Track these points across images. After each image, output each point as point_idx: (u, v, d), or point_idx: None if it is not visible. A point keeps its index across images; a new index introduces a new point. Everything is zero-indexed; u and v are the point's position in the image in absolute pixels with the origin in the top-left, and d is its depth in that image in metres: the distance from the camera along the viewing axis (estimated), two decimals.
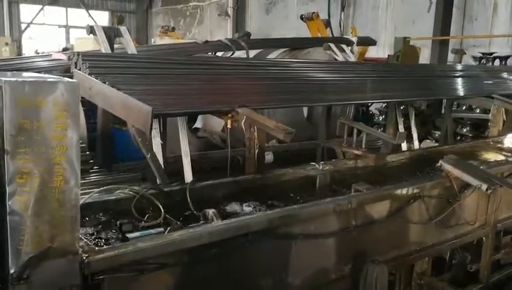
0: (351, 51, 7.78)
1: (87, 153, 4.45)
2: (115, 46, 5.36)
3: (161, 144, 3.77)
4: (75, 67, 3.60)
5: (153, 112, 2.83)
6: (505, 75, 7.20)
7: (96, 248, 2.05)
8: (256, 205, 2.95)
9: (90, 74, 3.43)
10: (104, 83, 3.30)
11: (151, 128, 2.98)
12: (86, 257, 1.97)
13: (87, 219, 2.54)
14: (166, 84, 3.82)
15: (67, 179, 1.88)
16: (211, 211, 2.67)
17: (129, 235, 2.39)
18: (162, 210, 2.58)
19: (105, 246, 2.15)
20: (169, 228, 2.45)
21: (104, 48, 4.74)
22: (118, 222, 2.47)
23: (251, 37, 11.48)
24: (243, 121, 3.40)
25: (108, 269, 2.03)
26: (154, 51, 6.25)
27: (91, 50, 5.40)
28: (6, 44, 13.69)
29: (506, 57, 8.90)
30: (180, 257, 2.29)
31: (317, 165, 3.68)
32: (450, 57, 10.99)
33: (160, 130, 3.76)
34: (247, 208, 2.92)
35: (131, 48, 4.96)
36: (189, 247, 2.30)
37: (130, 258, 2.09)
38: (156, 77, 3.88)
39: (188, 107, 3.62)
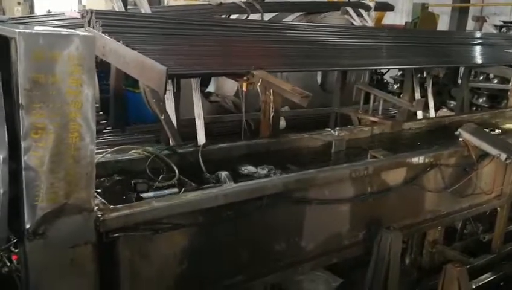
0: (368, 16, 7.58)
1: (100, 113, 4.42)
2: (128, 7, 5.26)
3: (175, 105, 3.73)
4: (88, 26, 3.54)
5: (167, 72, 2.77)
6: None
7: (112, 206, 2.03)
8: (270, 169, 2.91)
9: (103, 32, 3.37)
10: (118, 41, 3.24)
11: (165, 89, 2.94)
12: (101, 214, 1.96)
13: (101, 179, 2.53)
14: (180, 44, 3.74)
15: (83, 135, 1.84)
16: (223, 173, 2.65)
17: (143, 195, 2.37)
18: (177, 171, 2.56)
19: (120, 205, 2.13)
20: (183, 189, 2.43)
21: (118, 7, 4.64)
22: (133, 182, 2.45)
23: (266, 0, 11.21)
24: (259, 84, 3.34)
25: (123, 227, 2.02)
26: (167, 11, 6.12)
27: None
28: (19, 3, 13.51)
29: None
30: (195, 217, 2.28)
31: (332, 131, 3.62)
32: (470, 25, 10.71)
33: (174, 91, 3.72)
34: (261, 171, 2.89)
35: (145, 8, 4.85)
36: (204, 208, 2.28)
37: (145, 218, 2.08)
38: (170, 37, 3.80)
39: (203, 68, 3.56)
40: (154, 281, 2.21)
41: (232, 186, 2.42)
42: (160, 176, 2.55)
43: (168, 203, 2.18)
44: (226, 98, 6.72)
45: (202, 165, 2.78)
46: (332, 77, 6.98)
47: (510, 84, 5.37)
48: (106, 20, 3.50)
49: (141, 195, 2.39)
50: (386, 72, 9.31)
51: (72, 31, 1.84)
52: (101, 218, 1.95)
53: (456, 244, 4.30)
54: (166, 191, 2.42)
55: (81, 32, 1.82)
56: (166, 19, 4.14)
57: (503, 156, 3.30)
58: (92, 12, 3.53)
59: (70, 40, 1.74)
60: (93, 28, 3.47)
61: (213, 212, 2.31)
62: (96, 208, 1.97)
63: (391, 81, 9.66)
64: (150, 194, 2.41)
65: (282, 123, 5.50)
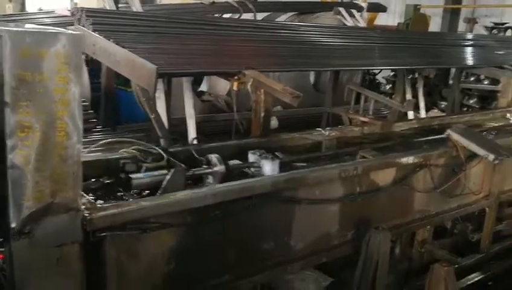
0: (361, 17, 7.60)
1: (90, 112, 4.40)
2: (120, 5, 5.24)
3: (166, 105, 3.72)
4: (79, 24, 3.52)
5: (157, 71, 2.76)
6: None
7: (99, 205, 2.03)
8: (262, 153, 2.93)
9: (93, 31, 3.36)
10: (108, 40, 3.22)
11: (155, 88, 2.93)
12: (88, 213, 1.95)
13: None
14: (171, 43, 3.73)
15: (70, 134, 1.84)
16: (214, 156, 2.67)
17: (132, 176, 2.37)
18: (165, 156, 2.55)
19: (107, 204, 2.12)
20: (173, 170, 2.41)
21: (109, 5, 4.62)
22: (121, 162, 2.43)
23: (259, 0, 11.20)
24: (250, 83, 3.33)
25: (110, 226, 2.01)
26: (159, 10, 6.11)
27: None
28: (10, 1, 13.41)
29: None
30: (183, 217, 2.28)
31: (323, 131, 3.63)
32: (461, 26, 10.78)
33: (165, 90, 3.71)
34: (253, 155, 2.90)
35: (137, 6, 4.84)
36: (192, 207, 2.28)
37: (132, 217, 2.08)
38: (161, 36, 3.78)
39: (194, 67, 3.54)
40: (142, 280, 2.21)
41: (220, 186, 2.42)
42: (150, 158, 2.53)
43: (156, 203, 2.18)
44: (218, 97, 6.71)
45: (194, 152, 2.80)
46: (325, 77, 6.99)
47: (499, 85, 5.41)
48: (96, 18, 3.48)
49: (130, 176, 2.38)
50: (378, 73, 9.35)
51: (59, 29, 1.84)
52: (88, 217, 1.95)
53: (445, 242, 4.32)
54: (156, 173, 2.42)
55: (68, 30, 1.81)
56: (157, 18, 4.12)
57: (491, 157, 3.32)
58: (82, 10, 3.50)
59: (57, 38, 1.73)
60: (84, 26, 3.45)
61: (201, 212, 2.31)
62: (83, 207, 1.96)
63: (383, 81, 9.71)
64: (140, 175, 2.42)
65: (275, 123, 5.51)
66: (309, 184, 2.78)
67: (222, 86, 6.39)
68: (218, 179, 2.72)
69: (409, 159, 3.26)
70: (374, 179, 3.12)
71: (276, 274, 2.83)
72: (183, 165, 2.50)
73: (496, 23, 8.93)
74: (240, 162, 2.94)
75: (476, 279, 3.94)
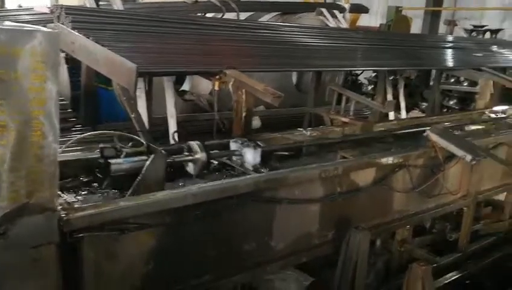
0: (343, 18, 7.66)
1: (69, 110, 4.34)
2: (101, 2, 5.19)
3: (146, 104, 3.69)
4: (58, 21, 3.47)
5: (137, 70, 2.74)
6: (494, 48, 7.17)
7: (76, 206, 2.00)
8: (244, 141, 2.94)
9: (73, 29, 3.31)
10: (88, 38, 3.19)
11: (135, 87, 2.90)
12: (65, 214, 1.92)
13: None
14: (153, 42, 3.70)
15: (46, 134, 1.81)
16: (195, 143, 2.65)
17: (112, 161, 2.33)
18: (144, 142, 2.52)
19: (85, 204, 2.10)
20: (153, 156, 2.36)
21: (89, 3, 4.57)
22: (100, 146, 2.40)
23: None
24: (231, 83, 3.33)
25: (88, 227, 1.99)
26: (141, 8, 6.06)
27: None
28: None
29: (497, 30, 8.86)
30: (163, 217, 2.26)
31: (304, 131, 3.65)
32: (442, 28, 10.94)
33: (146, 89, 3.68)
34: (234, 144, 2.90)
35: (118, 4, 4.79)
36: (172, 207, 2.26)
37: (111, 217, 2.06)
38: (143, 34, 3.76)
39: (175, 66, 3.52)
40: (120, 281, 2.19)
41: (201, 186, 2.41)
42: (130, 143, 2.50)
43: (135, 203, 2.16)
44: (200, 97, 6.69)
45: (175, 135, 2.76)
46: (307, 77, 7.02)
47: (477, 87, 5.50)
48: (76, 16, 3.44)
49: (109, 161, 2.34)
50: (360, 73, 9.44)
51: (36, 26, 1.81)
52: (65, 218, 1.92)
53: (424, 241, 4.37)
54: (135, 159, 2.39)
55: (44, 28, 1.78)
56: (138, 16, 4.09)
57: (469, 157, 3.37)
58: (61, 8, 3.46)
59: (32, 36, 1.70)
60: (63, 23, 3.40)
61: (181, 212, 2.30)
62: (59, 207, 1.94)
63: (366, 82, 9.81)
64: (119, 160, 2.38)
65: (257, 122, 5.52)
66: (289, 184, 2.78)
67: (204, 85, 6.39)
68: (199, 166, 2.70)
69: (388, 160, 3.29)
70: (354, 179, 3.14)
71: (256, 274, 2.83)
72: (163, 151, 2.44)
73: (475, 26, 9.09)
74: (222, 150, 2.94)
75: (454, 278, 4.00)
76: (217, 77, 3.39)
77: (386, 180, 3.32)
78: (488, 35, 8.95)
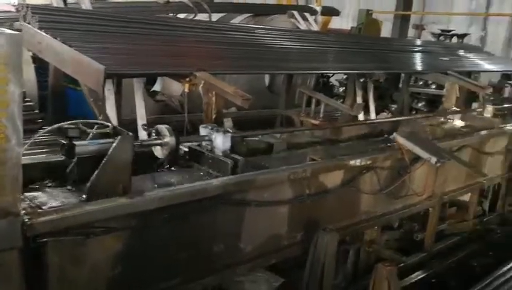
0: (315, 20, 7.73)
1: (36, 112, 4.25)
2: (69, 0, 5.09)
3: (115, 105, 3.65)
4: (24, 21, 3.39)
5: (105, 71, 2.71)
6: (461, 52, 7.37)
7: (39, 210, 1.97)
8: (213, 126, 2.92)
9: (40, 28, 3.25)
10: (55, 38, 3.13)
11: (103, 88, 2.88)
12: (29, 218, 1.89)
13: None
14: (122, 43, 3.66)
15: (9, 137, 1.78)
16: (164, 127, 2.62)
17: (76, 143, 2.25)
18: (111, 125, 2.45)
19: (49, 209, 2.06)
20: (119, 137, 2.27)
21: (56, 2, 4.48)
22: (64, 126, 2.31)
23: (215, 0, 11.18)
24: (201, 85, 3.33)
25: (52, 232, 1.96)
26: (111, 8, 5.97)
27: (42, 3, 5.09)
28: None
29: (464, 35, 9.10)
30: (129, 220, 2.25)
31: (274, 134, 3.68)
32: (411, 32, 11.18)
33: (115, 90, 3.64)
34: (204, 130, 2.89)
35: (86, 4, 4.72)
36: (139, 211, 2.25)
37: (76, 222, 2.03)
38: (112, 35, 3.71)
39: (144, 68, 3.49)
40: (85, 286, 2.16)
41: (169, 189, 2.40)
42: (95, 126, 2.42)
43: (100, 207, 2.14)
44: (172, 98, 6.64)
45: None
46: (279, 79, 7.06)
47: (444, 90, 5.64)
48: (43, 16, 3.37)
49: (74, 143, 2.25)
50: (332, 75, 9.54)
51: None
52: (28, 222, 1.89)
53: (392, 241, 4.46)
54: (101, 141, 2.32)
55: (6, 30, 1.75)
56: (108, 16, 4.03)
57: (434, 160, 3.47)
58: (27, 7, 3.39)
59: None
60: (29, 23, 3.34)
61: (148, 215, 2.29)
62: (23, 211, 1.90)
63: (337, 84, 9.92)
64: (84, 142, 2.30)
65: (229, 124, 5.51)
66: (258, 187, 2.80)
67: (176, 86, 6.32)
68: (167, 150, 2.66)
69: (356, 162, 3.35)
70: (323, 181, 3.19)
71: (225, 276, 2.84)
72: (130, 134, 2.35)
73: (442, 30, 9.31)
74: (191, 135, 2.92)
75: (420, 277, 4.09)
76: (187, 79, 3.38)
77: (354, 182, 3.39)
78: (455, 39, 9.18)
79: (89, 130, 2.35)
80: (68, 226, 2.01)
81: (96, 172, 2.18)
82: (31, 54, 4.69)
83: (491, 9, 11.47)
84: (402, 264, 4.02)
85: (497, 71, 7.78)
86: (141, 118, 3.97)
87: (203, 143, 2.91)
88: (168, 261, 2.46)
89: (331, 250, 3.00)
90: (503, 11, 11.27)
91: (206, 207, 2.52)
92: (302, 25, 6.92)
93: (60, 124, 2.39)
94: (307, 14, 7.32)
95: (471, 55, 7.37)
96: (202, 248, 2.61)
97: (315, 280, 3.00)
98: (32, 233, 1.90)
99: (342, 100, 7.79)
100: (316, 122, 4.17)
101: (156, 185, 2.51)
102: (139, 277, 2.34)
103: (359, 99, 5.70)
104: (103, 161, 2.19)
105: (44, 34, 3.16)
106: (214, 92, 3.32)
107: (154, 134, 2.70)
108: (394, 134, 3.65)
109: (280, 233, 3.03)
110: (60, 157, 2.51)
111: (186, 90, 3.45)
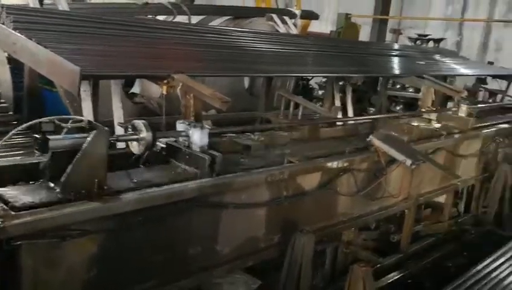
0: (294, 24, 7.79)
1: (11, 113, 4.19)
2: (45, 1, 5.04)
3: (92, 106, 3.62)
4: None
5: (81, 73, 2.69)
6: (437, 56, 7.52)
7: (13, 213, 1.94)
8: (191, 122, 2.90)
9: (14, 29, 3.21)
10: (30, 39, 3.09)
11: (79, 90, 2.85)
12: (1, 221, 1.86)
13: None
14: (99, 44, 3.63)
15: None
16: (140, 122, 2.60)
17: (50, 137, 2.21)
18: (85, 119, 2.40)
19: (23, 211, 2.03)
20: (95, 132, 2.23)
21: (32, 2, 4.42)
22: (39, 121, 2.27)
23: (194, 2, 11.17)
24: (179, 87, 3.32)
25: (26, 234, 1.94)
26: (88, 9, 5.92)
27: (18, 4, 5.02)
28: None
29: (440, 40, 9.28)
30: (105, 223, 2.23)
31: (252, 136, 3.69)
32: (388, 36, 11.35)
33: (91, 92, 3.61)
34: (181, 125, 2.87)
35: (63, 4, 4.67)
36: (114, 214, 2.24)
37: (50, 224, 2.01)
38: (89, 36, 3.68)
39: (121, 70, 3.47)
40: (60, 289, 2.14)
41: (145, 192, 2.39)
42: (70, 121, 2.39)
43: (76, 209, 2.12)
44: (151, 100, 6.61)
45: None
46: (259, 82, 7.09)
47: (420, 93, 5.74)
48: (18, 16, 3.33)
49: (48, 137, 2.21)
50: (311, 78, 9.61)
51: None
52: (1, 225, 1.86)
53: (369, 242, 4.52)
54: (76, 135, 2.28)
55: None
56: (85, 18, 4.00)
57: (409, 162, 3.53)
58: (2, 7, 3.34)
59: None
60: (4, 23, 3.29)
61: (124, 217, 2.27)
62: None
63: (316, 87, 10.00)
64: (58, 136, 2.27)
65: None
66: (236, 189, 2.81)
67: (155, 88, 6.30)
68: (144, 146, 2.63)
69: (333, 164, 3.39)
70: (300, 183, 3.21)
71: (202, 279, 2.84)
72: (106, 128, 2.32)
73: (419, 35, 9.47)
74: (168, 131, 2.89)
75: (396, 278, 4.15)
76: (165, 81, 3.37)
77: (331, 184, 3.42)
78: (431, 44, 9.36)
79: (63, 125, 2.32)
80: (43, 229, 1.99)
81: (70, 167, 2.15)
82: (6, 54, 4.62)
83: (466, 15, 11.73)
84: (378, 265, 4.07)
85: (471, 75, 7.95)
86: (118, 119, 3.96)
87: (180, 139, 2.88)
88: (143, 264, 2.45)
89: (308, 251, 3.03)
90: (478, 16, 11.54)
91: (182, 209, 2.52)
92: (281, 28, 6.97)
93: (33, 121, 2.36)
94: (286, 18, 7.36)
95: (447, 60, 7.54)
96: (178, 250, 2.60)
97: (292, 282, 3.02)
98: (5, 236, 1.87)
99: (321, 103, 7.89)
100: (294, 124, 4.19)
101: (132, 183, 2.48)
102: (115, 279, 2.33)
103: (337, 102, 5.78)
104: (77, 156, 2.16)
105: (19, 34, 3.13)
106: (192, 95, 3.31)
107: (130, 129, 2.66)
108: (370, 136, 3.70)
109: (257, 235, 3.04)
110: (36, 160, 2.49)
111: (164, 92, 3.45)
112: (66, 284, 2.17)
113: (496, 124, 5.53)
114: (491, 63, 9.47)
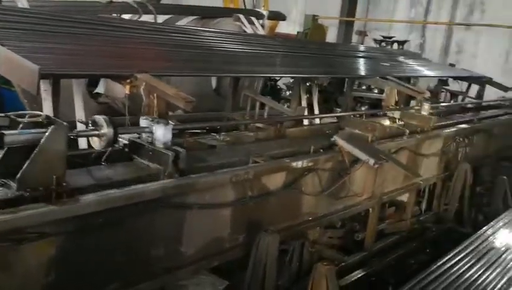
0: (262, 25, 7.82)
1: None
2: None
3: (53, 106, 3.54)
4: None
5: (40, 72, 2.63)
6: (401, 58, 7.70)
7: None
8: (154, 118, 2.86)
9: None
10: None
11: (38, 89, 2.78)
12: None
13: None
14: (60, 43, 3.56)
15: None
16: (101, 117, 2.54)
17: (5, 132, 2.12)
18: (43, 114, 2.33)
19: None
20: (53, 126, 2.15)
21: None
22: None
23: (161, 2, 11.06)
24: (142, 87, 3.28)
25: None
26: (50, 6, 5.77)
27: None
28: None
29: (404, 42, 9.51)
30: (64, 225, 2.18)
31: (217, 136, 3.68)
32: (354, 38, 11.55)
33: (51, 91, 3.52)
34: (144, 121, 2.83)
35: (22, 1, 4.54)
36: (74, 216, 2.19)
37: (6, 227, 1.95)
38: (50, 34, 3.61)
39: (83, 69, 3.41)
40: None
41: (105, 193, 2.34)
42: (27, 115, 2.29)
43: (35, 211, 2.06)
44: (116, 100, 6.50)
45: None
46: (226, 82, 7.09)
47: (384, 94, 5.86)
48: None
49: (2, 132, 2.11)
50: (279, 79, 9.68)
51: None
52: None
53: (334, 241, 4.58)
54: (33, 130, 2.19)
55: None
56: (46, 15, 3.91)
57: (372, 161, 3.60)
58: None
59: None
60: None
61: (84, 219, 2.23)
62: None
63: (284, 87, 10.07)
64: (14, 131, 2.17)
65: None
66: (200, 189, 2.80)
67: (120, 88, 6.20)
68: (105, 142, 2.57)
69: (298, 164, 3.42)
70: (265, 183, 3.22)
71: (166, 280, 2.80)
72: (65, 124, 2.24)
73: (384, 37, 9.69)
74: (131, 126, 2.84)
75: (360, 275, 4.22)
76: (128, 80, 3.33)
77: (295, 183, 3.44)
78: (395, 46, 9.58)
79: (20, 120, 2.23)
80: None
81: (27, 163, 2.08)
82: None
83: (429, 18, 12.06)
84: (343, 263, 4.13)
85: (434, 76, 8.19)
86: (80, 118, 3.88)
87: (144, 135, 2.84)
88: (104, 267, 2.41)
89: (273, 251, 3.04)
90: (440, 19, 11.87)
91: (144, 210, 2.48)
92: (249, 29, 6.99)
93: None
94: (254, 18, 7.39)
95: (410, 61, 7.73)
96: (141, 251, 2.57)
97: (257, 281, 3.03)
98: None
99: (288, 104, 7.94)
100: (260, 125, 4.20)
101: (92, 180, 2.44)
102: (74, 283, 2.28)
103: (304, 103, 5.84)
104: (34, 151, 2.09)
105: None
106: (155, 94, 3.27)
107: (90, 125, 2.59)
108: (334, 136, 3.75)
109: (222, 235, 3.04)
110: None
111: (127, 92, 3.40)
112: (24, 289, 2.12)
113: (456, 123, 5.70)
114: (452, 65, 9.78)
